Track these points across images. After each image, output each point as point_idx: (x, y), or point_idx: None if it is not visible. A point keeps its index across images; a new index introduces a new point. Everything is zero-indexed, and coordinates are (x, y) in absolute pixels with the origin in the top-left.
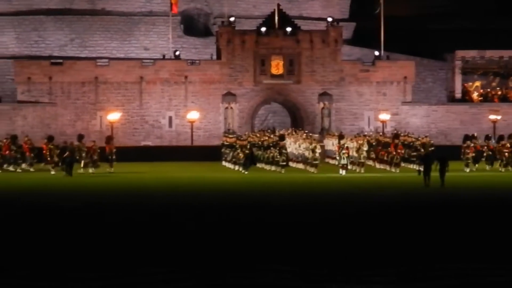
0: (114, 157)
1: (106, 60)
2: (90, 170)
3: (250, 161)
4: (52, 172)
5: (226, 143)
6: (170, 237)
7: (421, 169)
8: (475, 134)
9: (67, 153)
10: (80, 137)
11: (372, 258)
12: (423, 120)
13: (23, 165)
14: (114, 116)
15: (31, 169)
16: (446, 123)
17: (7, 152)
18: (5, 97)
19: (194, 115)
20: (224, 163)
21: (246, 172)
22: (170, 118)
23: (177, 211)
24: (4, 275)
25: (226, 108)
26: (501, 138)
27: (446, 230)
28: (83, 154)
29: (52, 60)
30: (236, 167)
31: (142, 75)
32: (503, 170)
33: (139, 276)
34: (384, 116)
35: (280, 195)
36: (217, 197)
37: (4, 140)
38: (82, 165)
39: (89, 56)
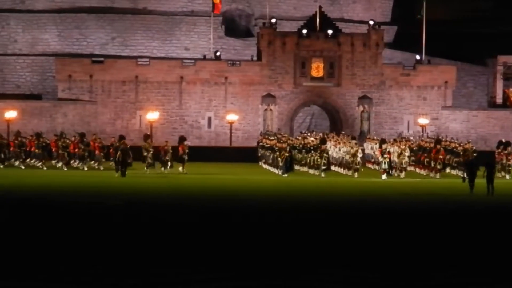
0: (186, 157)
1: (147, 59)
2: (165, 171)
3: (289, 165)
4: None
5: (266, 145)
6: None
7: (465, 176)
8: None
9: (118, 153)
10: (121, 138)
11: (421, 264)
12: (463, 125)
13: (91, 163)
14: (153, 115)
15: (101, 167)
16: (486, 129)
17: (76, 149)
18: (46, 94)
19: (233, 116)
20: (261, 164)
21: (286, 176)
22: (210, 118)
23: (232, 213)
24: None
25: (266, 109)
26: None
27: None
28: (147, 154)
29: (93, 58)
30: (276, 170)
31: (183, 75)
32: None
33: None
34: (424, 121)
35: (321, 199)
36: (262, 200)
37: (73, 138)
38: (146, 165)
39: (130, 55)
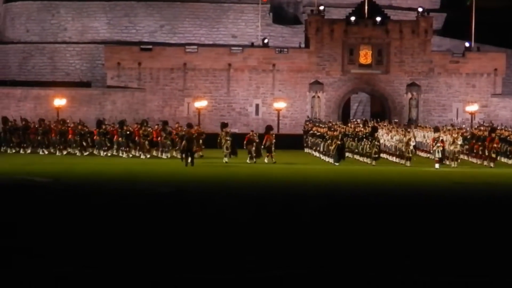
0: (273, 147)
1: (195, 47)
2: (248, 161)
3: (341, 153)
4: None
5: (317, 133)
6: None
7: None
8: None
9: (183, 142)
10: (188, 126)
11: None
12: None
13: (174, 152)
14: (201, 103)
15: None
16: None
17: (159, 138)
18: (95, 81)
19: (281, 103)
20: (311, 151)
21: (337, 164)
22: (257, 106)
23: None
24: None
25: (313, 97)
26: None
27: None
28: (226, 144)
29: (142, 46)
30: (327, 158)
31: (230, 62)
32: None
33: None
34: (473, 108)
35: (375, 189)
36: (312, 189)
37: (156, 126)
38: (224, 154)
39: (178, 42)
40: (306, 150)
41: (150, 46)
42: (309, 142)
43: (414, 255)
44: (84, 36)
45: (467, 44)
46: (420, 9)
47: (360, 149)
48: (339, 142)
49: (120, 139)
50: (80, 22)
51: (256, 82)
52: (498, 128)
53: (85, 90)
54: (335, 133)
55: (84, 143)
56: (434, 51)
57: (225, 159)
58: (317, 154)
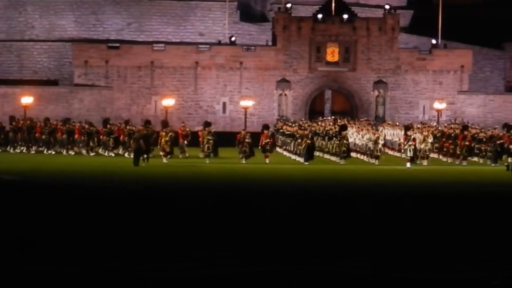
0: (269, 147)
1: (162, 45)
2: (243, 161)
3: (310, 153)
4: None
5: (287, 132)
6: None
7: (510, 164)
8: None
9: (140, 142)
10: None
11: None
12: (480, 110)
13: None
14: (168, 101)
15: (187, 155)
16: (503, 113)
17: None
18: (62, 80)
19: (248, 102)
20: (282, 151)
21: (306, 163)
22: (224, 104)
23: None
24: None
25: (280, 95)
26: None
27: None
28: (208, 144)
29: (109, 44)
30: (297, 158)
31: (198, 60)
32: None
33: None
34: (440, 105)
35: (343, 187)
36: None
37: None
38: (204, 154)
39: (146, 40)
40: (277, 149)
41: (118, 44)
42: (279, 141)
43: (385, 251)
44: (51, 34)
45: (434, 41)
46: (387, 7)
47: (330, 148)
48: (309, 141)
49: (126, 139)
50: (47, 20)
51: (224, 80)
52: (471, 126)
53: (53, 88)
54: (305, 132)
55: (91, 143)
56: (401, 49)
57: (206, 160)
58: (287, 153)
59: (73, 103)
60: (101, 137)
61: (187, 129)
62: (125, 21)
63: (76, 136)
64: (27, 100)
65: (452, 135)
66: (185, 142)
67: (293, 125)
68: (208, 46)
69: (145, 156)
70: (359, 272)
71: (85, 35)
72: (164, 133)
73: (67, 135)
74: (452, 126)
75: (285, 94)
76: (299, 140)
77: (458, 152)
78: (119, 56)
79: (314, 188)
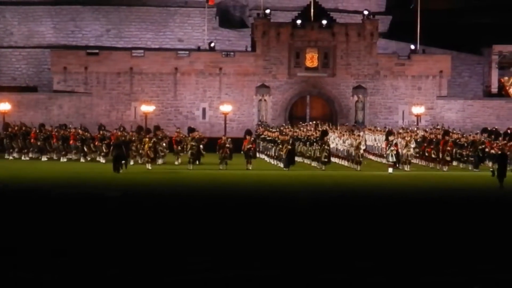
0: (251, 153)
1: (141, 51)
2: (221, 167)
3: (291, 158)
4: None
5: (268, 138)
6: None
7: (494, 169)
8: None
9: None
10: (156, 128)
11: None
12: (458, 115)
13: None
14: (148, 107)
15: (179, 161)
16: (481, 118)
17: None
18: (41, 86)
19: (227, 107)
20: (263, 156)
21: (287, 169)
22: (204, 109)
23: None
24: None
25: (260, 100)
26: None
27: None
28: (191, 150)
29: (88, 50)
30: (278, 163)
31: (177, 66)
32: None
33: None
34: (419, 110)
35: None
36: (262, 193)
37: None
38: (188, 160)
39: (125, 46)
40: (258, 154)
41: (97, 51)
42: (260, 147)
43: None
44: (30, 40)
45: (412, 47)
46: (365, 12)
47: (312, 153)
48: (289, 147)
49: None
50: (26, 27)
51: (203, 86)
52: (452, 131)
53: (32, 95)
54: (286, 137)
55: (86, 149)
56: (380, 54)
57: (190, 166)
58: (267, 158)
59: (52, 109)
60: (96, 143)
61: (181, 135)
62: (104, 27)
63: (71, 142)
64: (5, 106)
65: (434, 140)
66: (179, 148)
67: (275, 131)
68: (187, 52)
69: (123, 162)
70: (339, 277)
71: (64, 41)
72: (147, 139)
73: (62, 141)
74: (434, 131)
75: (265, 100)
76: (280, 146)
77: (440, 157)
78: (98, 63)
79: (295, 194)
